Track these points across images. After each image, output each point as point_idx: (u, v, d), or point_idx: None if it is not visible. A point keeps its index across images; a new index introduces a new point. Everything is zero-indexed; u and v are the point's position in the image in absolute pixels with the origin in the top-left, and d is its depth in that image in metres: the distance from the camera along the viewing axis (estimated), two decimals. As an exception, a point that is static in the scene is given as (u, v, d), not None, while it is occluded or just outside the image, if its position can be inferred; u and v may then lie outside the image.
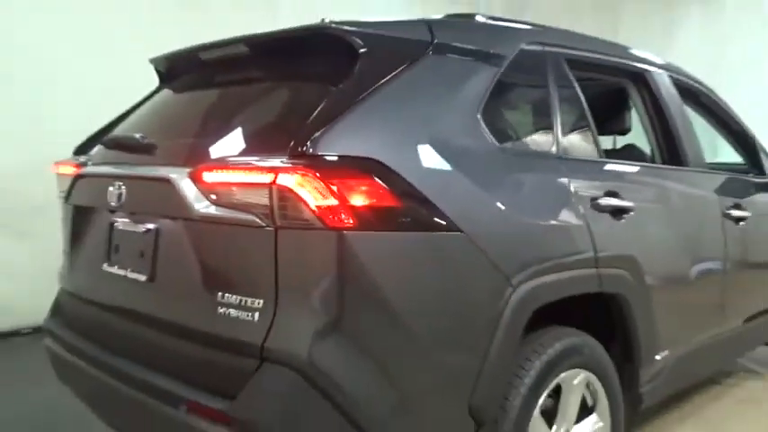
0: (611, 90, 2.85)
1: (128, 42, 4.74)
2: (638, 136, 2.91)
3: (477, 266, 1.76)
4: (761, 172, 3.46)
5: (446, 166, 1.78)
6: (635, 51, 2.88)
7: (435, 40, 1.97)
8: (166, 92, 2.45)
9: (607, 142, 3.19)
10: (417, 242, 1.67)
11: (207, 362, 1.72)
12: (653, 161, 2.81)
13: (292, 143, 1.61)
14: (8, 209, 4.64)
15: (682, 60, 3.49)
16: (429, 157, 1.76)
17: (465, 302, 1.75)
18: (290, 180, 1.56)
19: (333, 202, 1.56)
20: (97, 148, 2.33)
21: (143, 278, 1.92)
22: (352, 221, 1.57)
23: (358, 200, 1.58)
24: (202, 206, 1.70)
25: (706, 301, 2.77)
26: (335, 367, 1.57)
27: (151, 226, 1.91)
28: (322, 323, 1.57)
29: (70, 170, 2.30)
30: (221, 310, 1.68)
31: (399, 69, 1.84)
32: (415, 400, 1.67)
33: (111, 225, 2.08)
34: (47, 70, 4.65)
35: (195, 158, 1.77)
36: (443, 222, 1.70)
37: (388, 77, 1.80)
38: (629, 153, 3.00)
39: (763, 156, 3.47)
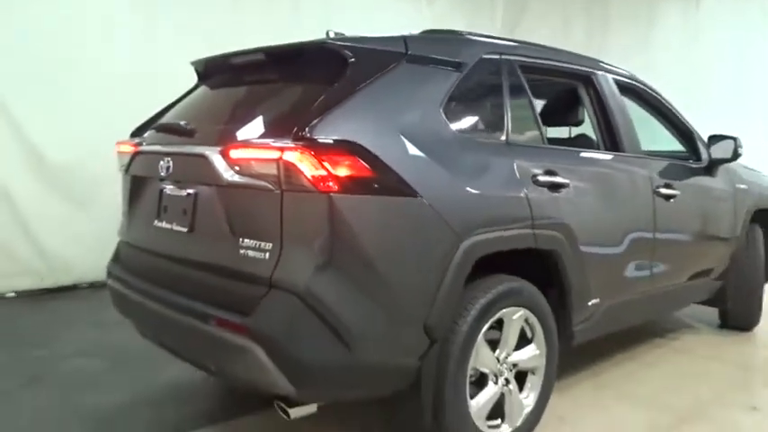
0: (565, 89, 3.25)
1: (172, 46, 5.20)
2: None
3: (433, 223, 2.19)
4: (698, 158, 3.83)
5: (411, 148, 2.20)
6: (583, 57, 3.27)
7: (409, 52, 2.39)
8: (203, 88, 2.89)
9: (564, 132, 3.62)
10: (387, 204, 2.11)
11: (230, 290, 2.17)
12: (598, 148, 3.20)
13: (295, 129, 2.04)
14: (72, 182, 5.13)
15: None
16: (398, 141, 2.18)
17: (423, 249, 2.18)
18: (292, 156, 2.00)
19: (323, 172, 1.99)
20: (150, 132, 2.78)
21: (185, 230, 2.37)
22: (337, 187, 2.00)
23: (342, 171, 2.02)
24: (229, 175, 2.14)
25: (635, 262, 3.16)
26: (323, 293, 2.01)
27: (191, 191, 2.36)
28: (314, 261, 2.01)
29: (129, 148, 2.75)
30: (242, 252, 2.13)
31: (379, 75, 2.27)
32: (383, 320, 2.11)
33: (161, 191, 2.53)
34: (103, 68, 5.13)
35: (224, 140, 2.21)
36: (407, 190, 2.13)
37: (369, 81, 2.23)
38: (580, 141, 3.42)
39: (699, 144, 3.83)
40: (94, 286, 5.25)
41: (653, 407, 3.05)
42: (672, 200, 3.38)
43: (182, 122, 2.50)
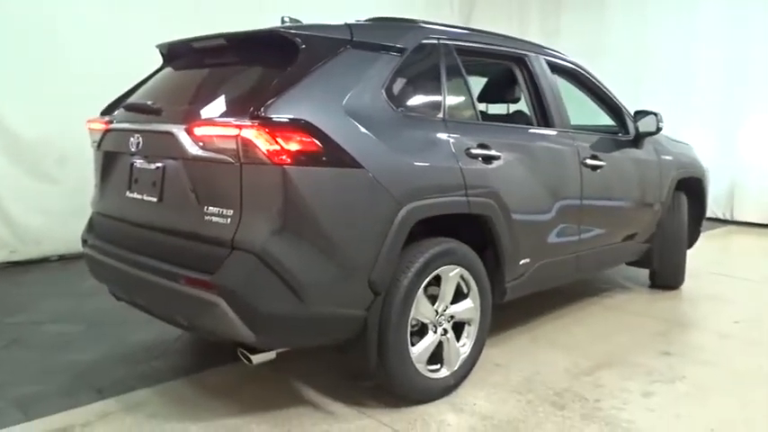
0: (501, 70, 3.57)
1: (139, 30, 5.38)
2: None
3: (376, 192, 2.49)
4: (626, 132, 4.20)
5: (356, 126, 2.49)
6: (517, 40, 3.59)
7: (354, 38, 2.67)
8: (168, 70, 3.12)
9: (502, 109, 3.95)
10: (334, 174, 2.40)
11: (197, 252, 2.44)
12: (532, 123, 3.53)
13: (251, 109, 2.32)
14: (42, 158, 5.31)
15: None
16: (344, 119, 2.47)
17: (367, 214, 2.48)
18: (249, 133, 2.28)
19: (277, 147, 2.27)
20: (119, 111, 3.02)
21: (155, 200, 2.64)
22: (289, 160, 2.29)
23: (293, 146, 2.30)
24: (194, 150, 2.41)
25: (562, 226, 3.51)
26: (278, 252, 2.30)
27: (160, 164, 2.62)
28: (270, 225, 2.30)
29: (100, 126, 2.99)
30: (207, 218, 2.41)
31: (326, 59, 2.54)
32: (331, 275, 2.41)
33: (132, 165, 2.78)
34: (73, 49, 5.29)
35: (189, 118, 2.47)
36: (353, 162, 2.42)
37: (318, 65, 2.51)
38: (517, 117, 3.76)
39: (627, 119, 4.20)
40: (64, 259, 5.46)
41: (577, 353, 3.44)
42: (598, 170, 3.74)
43: (149, 102, 2.75)
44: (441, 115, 2.91)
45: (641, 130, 4.14)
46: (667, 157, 4.45)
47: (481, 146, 2.98)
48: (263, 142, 2.27)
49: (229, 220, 2.35)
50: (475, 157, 2.93)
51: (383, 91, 2.67)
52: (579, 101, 4.07)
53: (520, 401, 2.87)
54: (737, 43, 7.66)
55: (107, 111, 3.12)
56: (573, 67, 3.93)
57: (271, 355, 2.54)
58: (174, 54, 3.13)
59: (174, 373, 3.14)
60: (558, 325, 3.93)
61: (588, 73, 4.03)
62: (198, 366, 3.21)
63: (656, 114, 4.06)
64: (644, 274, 4.93)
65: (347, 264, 2.45)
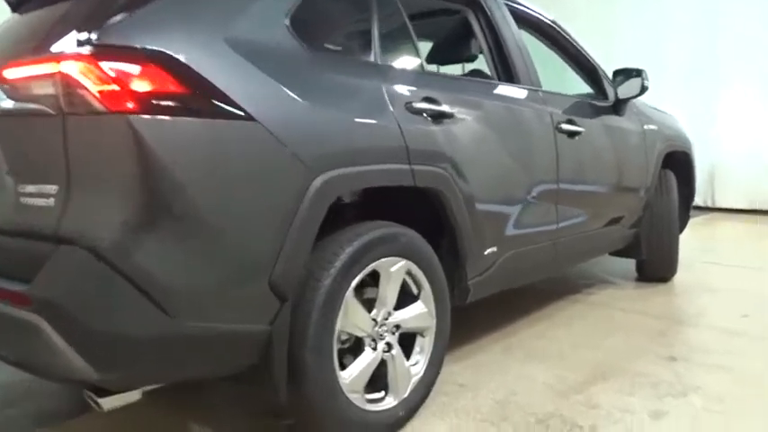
0: (454, 21, 2.84)
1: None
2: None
3: (275, 154, 1.74)
4: (605, 97, 3.52)
5: (243, 63, 1.74)
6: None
7: None
8: (14, 18, 2.33)
9: (456, 71, 3.22)
10: (208, 128, 1.64)
11: (14, 252, 1.67)
12: (493, 83, 2.82)
13: (79, 36, 1.56)
14: None
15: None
16: (224, 54, 1.72)
17: (262, 186, 1.72)
18: (72, 68, 1.52)
19: (115, 87, 1.52)
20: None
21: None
22: (136, 107, 1.53)
23: (142, 86, 1.54)
24: (4, 103, 1.64)
25: (536, 206, 2.80)
26: (127, 245, 1.53)
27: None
28: (113, 204, 1.54)
29: None
30: (23, 200, 1.64)
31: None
32: (212, 276, 1.65)
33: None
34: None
35: (4, 63, 1.70)
36: (237, 111, 1.67)
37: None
38: (475, 77, 3.02)
39: (606, 83, 3.52)
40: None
41: (562, 365, 2.72)
42: (576, 137, 3.04)
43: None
44: (371, 57, 2.18)
45: (621, 93, 3.46)
46: (652, 127, 3.78)
47: (428, 100, 2.25)
48: (93, 81, 1.51)
49: (53, 200, 1.58)
50: (418, 112, 2.20)
51: (287, 21, 1.92)
52: (546, 64, 3.37)
53: (492, 435, 2.13)
54: (710, 15, 7.11)
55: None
56: (541, 18, 3.23)
57: (132, 396, 1.75)
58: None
59: (36, 421, 2.34)
60: (535, 330, 3.21)
61: (559, 26, 3.34)
62: (70, 412, 2.41)
63: (640, 73, 3.37)
64: (627, 266, 4.26)
65: (235, 258, 1.69)
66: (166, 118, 1.57)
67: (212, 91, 1.64)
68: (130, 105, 1.52)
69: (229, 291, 1.69)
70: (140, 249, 1.55)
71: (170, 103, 1.57)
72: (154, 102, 1.55)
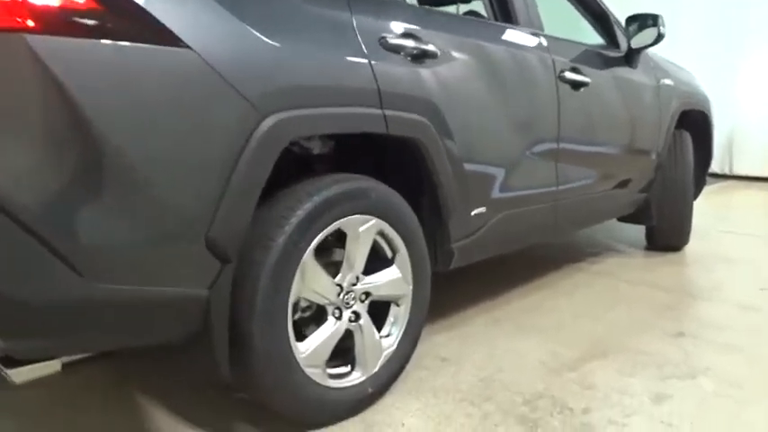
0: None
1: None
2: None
3: (212, 90, 1.47)
4: (616, 47, 3.19)
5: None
6: None
7: None
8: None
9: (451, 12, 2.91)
10: (129, 54, 1.36)
11: None
12: (490, 25, 2.51)
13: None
14: None
15: None
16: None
17: (195, 128, 1.45)
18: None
19: (5, -1, 1.24)
20: None
21: None
22: (36, 24, 1.25)
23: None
24: None
25: (533, 161, 2.51)
26: (24, 193, 1.27)
27: None
28: (11, 147, 1.27)
29: None
30: None
31: None
32: (136, 230, 1.39)
33: None
34: None
35: None
36: (164, 35, 1.39)
37: None
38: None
39: (618, 31, 3.19)
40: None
41: (556, 339, 2.46)
42: (582, 89, 2.73)
43: None
44: (337, -15, 1.88)
45: (635, 44, 3.12)
46: (667, 82, 3.45)
47: (408, 36, 1.96)
48: (-24, -12, 1.23)
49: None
50: (395, 50, 1.91)
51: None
52: (552, 13, 3.04)
53: (472, 417, 1.89)
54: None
55: None
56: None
57: (49, 367, 1.51)
58: None
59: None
60: (531, 300, 2.95)
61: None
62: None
63: (656, 19, 3.03)
64: (636, 233, 3.97)
65: (161, 211, 1.43)
66: (75, 39, 1.29)
67: (134, 8, 1.36)
68: (29, 22, 1.25)
69: (155, 249, 1.43)
70: (45, 200, 1.29)
71: (80, 21, 1.30)
72: (58, 18, 1.27)
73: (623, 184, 3.23)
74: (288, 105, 1.58)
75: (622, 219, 3.64)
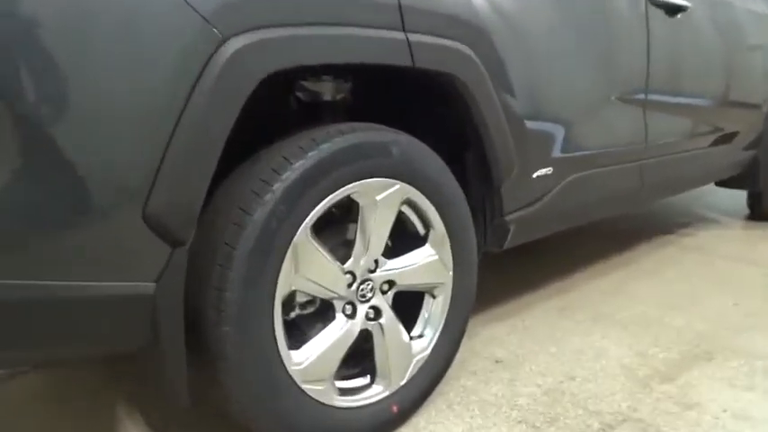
0: None
1: None
2: None
3: (153, 4, 1.01)
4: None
5: None
6: None
7: None
8: None
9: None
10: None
11: None
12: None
13: None
14: None
15: None
16: None
17: (124, 56, 0.99)
18: None
19: None
20: None
21: None
22: None
23: None
24: None
25: (615, 112, 1.96)
26: None
27: None
28: None
29: None
30: None
31: None
32: (51, 205, 0.97)
33: None
34: None
35: None
36: None
37: None
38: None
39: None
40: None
41: (643, 335, 1.94)
42: (678, 15, 2.13)
43: None
44: None
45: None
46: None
47: (441, -68, 1.43)
48: None
49: None
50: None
51: None
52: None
53: (530, 449, 1.41)
54: None
55: None
56: None
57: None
58: None
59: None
60: (608, 282, 2.41)
61: None
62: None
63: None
64: (736, 200, 3.33)
65: (75, 177, 0.98)
66: None
67: None
68: None
69: (79, 231, 1.00)
70: None
71: None
72: None
73: (726, 139, 2.62)
74: (259, 23, 1.11)
75: (721, 183, 3.02)
